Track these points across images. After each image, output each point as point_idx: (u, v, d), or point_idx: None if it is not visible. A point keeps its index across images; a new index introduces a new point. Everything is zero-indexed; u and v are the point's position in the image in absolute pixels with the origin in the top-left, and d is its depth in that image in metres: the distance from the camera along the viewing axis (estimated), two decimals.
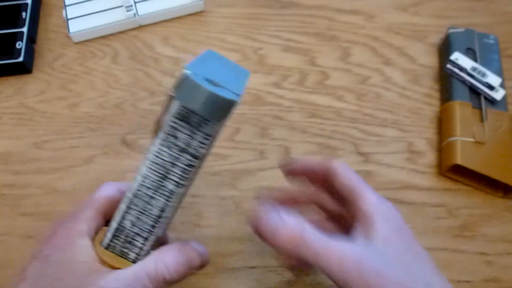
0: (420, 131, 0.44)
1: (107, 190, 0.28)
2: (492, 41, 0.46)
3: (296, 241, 0.23)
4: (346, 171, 0.27)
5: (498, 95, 0.42)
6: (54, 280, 0.23)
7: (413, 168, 0.42)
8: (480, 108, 0.42)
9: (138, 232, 0.26)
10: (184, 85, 0.22)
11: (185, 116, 0.23)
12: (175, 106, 0.23)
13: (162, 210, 0.25)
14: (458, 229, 0.39)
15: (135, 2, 0.51)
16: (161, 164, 0.24)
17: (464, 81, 0.43)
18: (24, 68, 0.48)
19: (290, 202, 0.31)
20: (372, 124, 0.45)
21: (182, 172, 0.24)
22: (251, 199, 0.41)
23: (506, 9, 0.51)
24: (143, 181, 0.25)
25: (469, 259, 0.38)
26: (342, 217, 0.29)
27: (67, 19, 0.50)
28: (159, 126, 0.25)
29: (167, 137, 0.24)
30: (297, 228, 0.24)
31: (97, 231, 0.26)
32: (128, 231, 0.26)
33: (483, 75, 0.42)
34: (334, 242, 0.23)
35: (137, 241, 0.26)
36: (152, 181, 0.25)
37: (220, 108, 0.23)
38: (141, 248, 0.26)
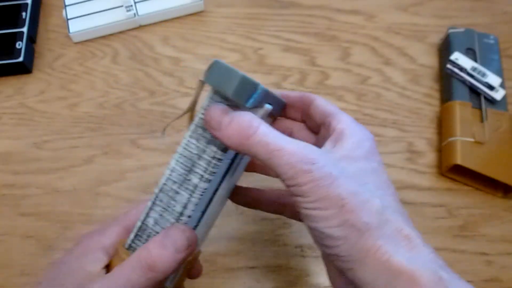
0: (420, 131, 0.44)
1: (140, 208, 0.27)
2: (492, 41, 0.46)
3: (248, 134, 0.22)
4: (323, 100, 0.27)
5: (498, 95, 0.42)
6: (58, 285, 0.24)
7: (413, 168, 0.42)
8: (480, 108, 0.42)
9: (159, 231, 0.25)
10: (217, 70, 0.22)
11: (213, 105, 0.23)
12: (207, 97, 0.23)
13: (185, 207, 0.25)
14: (458, 229, 0.39)
15: (135, 2, 0.51)
16: (188, 157, 0.24)
17: (464, 81, 0.43)
18: (24, 68, 0.48)
19: None
20: (372, 124, 0.45)
21: (207, 164, 0.24)
22: None
23: (506, 9, 0.51)
24: (170, 175, 0.25)
25: (469, 259, 0.38)
26: None
27: (67, 19, 0.50)
28: (191, 118, 0.24)
29: (196, 129, 0.24)
30: (253, 121, 0.22)
31: None
32: (151, 230, 0.25)
33: (483, 75, 0.42)
34: (291, 140, 0.21)
35: None
36: (179, 174, 0.24)
37: (248, 92, 0.23)
38: None
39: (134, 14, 0.50)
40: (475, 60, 0.44)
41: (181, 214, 0.25)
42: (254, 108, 0.24)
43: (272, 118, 0.28)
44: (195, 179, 0.24)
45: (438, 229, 0.39)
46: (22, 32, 0.49)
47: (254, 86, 0.23)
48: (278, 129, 0.22)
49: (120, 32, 0.51)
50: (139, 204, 0.28)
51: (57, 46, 0.51)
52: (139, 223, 0.26)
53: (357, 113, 0.45)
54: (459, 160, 0.39)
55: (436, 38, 0.49)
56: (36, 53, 0.50)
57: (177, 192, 0.25)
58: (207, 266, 0.38)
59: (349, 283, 0.22)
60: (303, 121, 0.29)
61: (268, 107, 0.24)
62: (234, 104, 0.23)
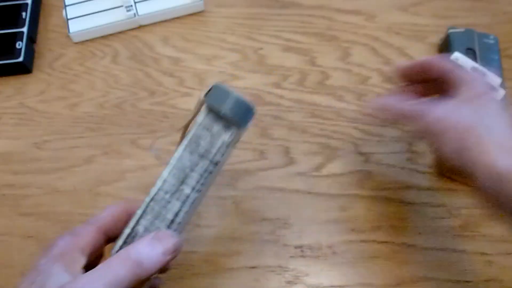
0: None
1: (113, 209, 0.28)
2: (492, 41, 0.46)
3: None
4: (442, 59, 0.34)
5: (498, 95, 0.42)
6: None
7: (413, 168, 0.42)
8: None
9: None
10: (215, 91, 0.25)
11: (209, 124, 0.26)
12: (201, 114, 0.26)
13: (176, 215, 0.26)
14: (458, 229, 0.39)
15: (135, 2, 0.51)
16: (181, 169, 0.26)
17: None
18: (24, 68, 0.48)
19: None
20: (372, 124, 0.45)
21: (200, 176, 0.26)
22: (251, 199, 0.41)
23: (506, 9, 0.51)
24: (162, 185, 0.26)
25: (469, 259, 0.38)
26: None
27: (67, 19, 0.50)
28: (184, 133, 0.26)
29: (190, 143, 0.26)
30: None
31: (95, 248, 0.27)
32: (140, 237, 0.26)
33: (483, 75, 0.42)
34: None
35: None
36: (171, 185, 0.26)
37: (242, 112, 0.26)
38: None
39: (134, 14, 0.50)
40: (475, 60, 0.44)
41: (172, 221, 0.26)
42: (244, 128, 0.27)
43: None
44: (187, 190, 0.26)
45: (438, 229, 0.39)
46: (22, 32, 0.49)
47: (249, 109, 0.26)
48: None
49: (120, 32, 0.51)
50: (113, 204, 0.28)
51: (57, 46, 0.51)
52: (128, 230, 0.26)
53: (357, 113, 0.45)
54: None
55: (436, 38, 0.49)
56: (36, 53, 0.50)
57: (169, 202, 0.26)
58: (207, 266, 0.38)
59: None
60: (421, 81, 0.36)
61: (246, 128, 0.27)
62: (228, 123, 0.26)
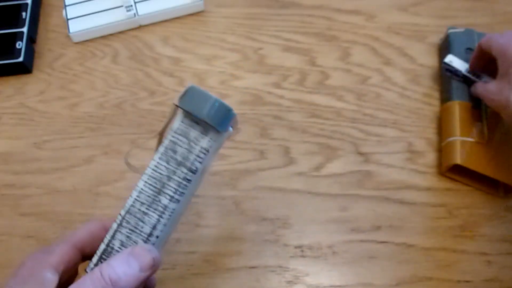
0: (420, 131, 0.44)
1: (90, 226, 0.27)
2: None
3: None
4: (483, 39, 0.39)
5: None
6: None
7: (413, 168, 0.42)
8: (480, 108, 0.42)
9: None
10: (190, 94, 0.24)
11: (185, 130, 0.24)
12: (177, 120, 0.24)
13: (154, 228, 0.25)
14: (458, 229, 0.39)
15: (135, 2, 0.51)
16: (157, 178, 0.25)
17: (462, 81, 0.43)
18: (24, 68, 0.48)
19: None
20: (372, 124, 0.45)
21: (178, 185, 0.25)
22: (251, 199, 0.41)
23: (506, 9, 0.51)
24: (138, 196, 0.25)
25: (469, 259, 0.38)
26: None
27: (67, 19, 0.50)
28: (160, 140, 0.25)
29: (166, 151, 0.25)
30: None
31: (70, 266, 0.25)
32: (116, 252, 0.25)
33: (478, 76, 0.42)
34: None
35: None
36: (148, 196, 0.25)
37: (219, 114, 0.24)
38: None
39: (134, 14, 0.50)
40: None
41: (150, 235, 0.25)
42: (223, 132, 0.25)
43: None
44: (164, 200, 0.25)
45: (438, 229, 0.39)
46: (22, 32, 0.49)
47: (228, 111, 0.25)
48: None
49: (120, 32, 0.51)
50: (89, 221, 0.27)
51: (57, 46, 0.51)
52: (103, 246, 0.25)
53: (357, 113, 0.45)
54: (459, 160, 0.39)
55: (436, 38, 0.49)
56: (36, 53, 0.50)
57: (145, 213, 0.25)
58: (207, 266, 0.38)
59: None
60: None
61: (230, 130, 0.26)
62: (206, 128, 0.24)
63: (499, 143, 0.40)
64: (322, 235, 0.39)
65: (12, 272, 0.25)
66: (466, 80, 0.43)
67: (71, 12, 0.50)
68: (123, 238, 0.25)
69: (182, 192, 0.25)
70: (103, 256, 0.25)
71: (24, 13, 0.50)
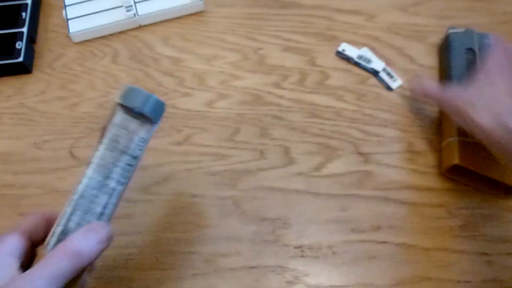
0: (420, 131, 0.44)
1: (33, 217, 0.29)
2: (492, 41, 0.46)
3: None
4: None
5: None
6: None
7: (413, 168, 0.42)
8: None
9: None
10: (129, 92, 0.28)
11: (126, 122, 0.29)
12: (118, 115, 0.28)
13: (105, 207, 0.28)
14: (458, 229, 0.39)
15: (135, 2, 0.51)
16: (104, 166, 0.28)
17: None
18: (24, 68, 0.48)
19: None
20: (372, 124, 0.45)
21: (122, 170, 0.29)
22: (251, 199, 0.41)
23: (506, 9, 0.51)
24: (88, 182, 0.28)
25: (469, 259, 0.38)
26: None
27: (67, 19, 0.50)
28: (103, 133, 0.29)
29: (110, 142, 0.28)
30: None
31: (25, 252, 0.27)
32: (74, 231, 0.28)
33: (368, 61, 0.44)
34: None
35: None
36: (97, 181, 0.28)
37: (156, 108, 0.29)
38: None
39: (134, 14, 0.50)
40: (475, 60, 0.44)
41: (102, 214, 0.28)
42: (158, 123, 0.30)
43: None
44: (112, 184, 0.29)
45: (438, 229, 0.39)
46: (22, 32, 0.49)
47: (162, 105, 0.29)
48: None
49: (120, 32, 0.51)
50: (32, 214, 0.29)
51: (57, 46, 0.51)
52: (60, 228, 0.28)
53: (357, 113, 0.45)
54: (458, 160, 0.39)
55: (436, 38, 0.49)
56: (36, 53, 0.50)
57: (96, 196, 0.28)
58: (207, 266, 0.38)
59: None
60: None
61: (159, 122, 0.30)
62: (143, 121, 0.29)
63: None
64: (322, 235, 0.39)
65: None
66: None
67: (71, 12, 0.50)
68: (78, 219, 0.28)
69: (126, 176, 0.29)
70: (60, 237, 0.28)
71: (24, 13, 0.50)
